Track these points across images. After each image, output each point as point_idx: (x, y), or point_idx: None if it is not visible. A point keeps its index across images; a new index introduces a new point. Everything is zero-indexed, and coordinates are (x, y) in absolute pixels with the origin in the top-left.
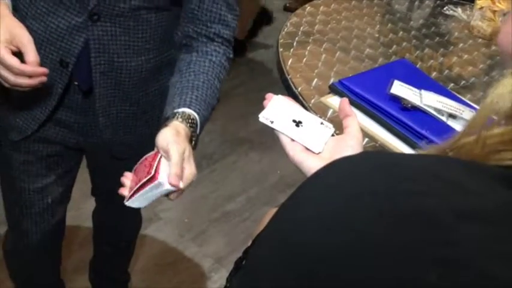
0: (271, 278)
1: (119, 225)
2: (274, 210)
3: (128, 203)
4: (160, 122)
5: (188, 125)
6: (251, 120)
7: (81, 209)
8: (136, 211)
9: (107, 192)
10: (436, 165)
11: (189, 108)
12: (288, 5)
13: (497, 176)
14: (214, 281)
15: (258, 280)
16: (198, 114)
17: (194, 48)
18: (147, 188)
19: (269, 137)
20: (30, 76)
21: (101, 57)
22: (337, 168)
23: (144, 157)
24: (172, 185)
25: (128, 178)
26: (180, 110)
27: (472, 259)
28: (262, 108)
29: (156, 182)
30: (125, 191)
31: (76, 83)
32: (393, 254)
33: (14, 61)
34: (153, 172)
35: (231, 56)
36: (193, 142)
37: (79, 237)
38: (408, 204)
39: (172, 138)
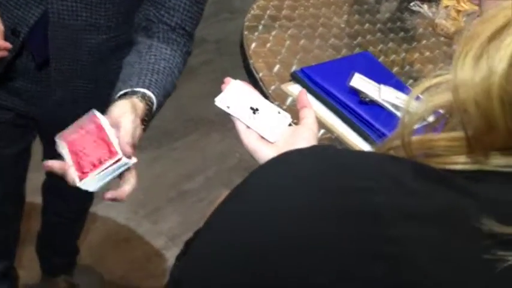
0: (212, 269)
1: (69, 196)
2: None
3: (82, 185)
4: (113, 96)
5: (146, 106)
6: (213, 101)
7: (30, 180)
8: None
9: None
10: (385, 164)
11: (148, 89)
12: None
13: (442, 178)
14: (166, 259)
15: (199, 269)
16: (156, 98)
17: (155, 34)
18: (109, 168)
19: (230, 119)
20: None
21: (59, 32)
22: (286, 162)
23: (78, 126)
24: (127, 155)
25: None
26: (139, 89)
27: (413, 258)
28: None
29: (122, 161)
30: (72, 171)
31: (31, 52)
32: (338, 248)
33: None
34: (116, 150)
35: (190, 50)
36: (143, 126)
37: (27, 208)
38: (354, 200)
39: (129, 110)
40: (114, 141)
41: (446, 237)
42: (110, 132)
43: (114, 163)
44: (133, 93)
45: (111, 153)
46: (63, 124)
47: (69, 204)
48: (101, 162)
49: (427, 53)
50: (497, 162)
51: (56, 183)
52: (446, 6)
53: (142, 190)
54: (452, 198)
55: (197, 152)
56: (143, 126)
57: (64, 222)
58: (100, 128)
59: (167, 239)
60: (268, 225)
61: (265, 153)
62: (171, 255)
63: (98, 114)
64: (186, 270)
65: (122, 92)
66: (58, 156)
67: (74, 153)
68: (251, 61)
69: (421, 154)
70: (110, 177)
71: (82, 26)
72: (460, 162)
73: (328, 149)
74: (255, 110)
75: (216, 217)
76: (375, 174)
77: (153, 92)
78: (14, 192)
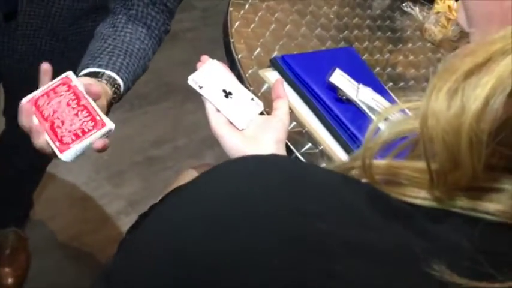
0: (147, 271)
1: (28, 148)
2: (192, 172)
3: (63, 157)
4: (80, 65)
5: (113, 93)
6: (192, 69)
7: None
8: None
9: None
10: (341, 188)
11: (117, 74)
12: None
13: (398, 212)
14: (123, 224)
15: (136, 268)
16: (123, 84)
17: (134, 6)
18: (92, 137)
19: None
20: None
21: None
22: (239, 170)
23: (49, 88)
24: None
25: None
26: (108, 72)
27: None
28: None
29: (106, 128)
30: (49, 140)
31: None
32: (273, 276)
33: None
34: (102, 120)
35: (170, 28)
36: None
37: None
38: (300, 225)
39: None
40: (97, 109)
41: (389, 280)
42: (89, 98)
43: (98, 133)
44: (102, 75)
45: (96, 122)
46: (26, 79)
47: (27, 157)
48: (84, 132)
49: (411, 57)
50: (461, 204)
51: (14, 135)
52: (438, 13)
53: (107, 151)
54: (404, 237)
55: (169, 120)
56: (107, 111)
57: (20, 175)
58: (76, 92)
59: (126, 203)
60: (205, 241)
61: (231, 140)
62: (128, 221)
63: (72, 76)
64: (124, 265)
65: (89, 70)
66: (18, 102)
67: (48, 120)
68: (232, 40)
69: (382, 179)
70: (88, 146)
71: None
72: (421, 197)
73: (285, 162)
74: (227, 94)
75: (155, 221)
76: (329, 198)
77: (121, 78)
78: None
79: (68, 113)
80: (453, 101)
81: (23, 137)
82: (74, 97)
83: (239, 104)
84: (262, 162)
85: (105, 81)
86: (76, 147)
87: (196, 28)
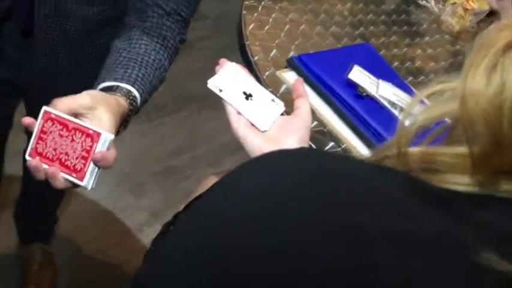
0: (180, 276)
1: None
2: (214, 179)
3: (85, 183)
4: (96, 80)
5: (130, 106)
6: (208, 77)
7: (13, 142)
8: None
9: None
10: (376, 178)
11: (133, 86)
12: None
13: (439, 200)
14: (146, 235)
15: (167, 274)
16: (140, 95)
17: (148, 18)
18: (93, 152)
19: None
20: None
21: (47, 0)
22: (271, 164)
23: (39, 132)
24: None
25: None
26: (123, 85)
27: None
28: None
29: (102, 136)
30: (66, 176)
31: (17, 18)
32: (314, 274)
33: None
34: (92, 130)
35: (185, 37)
36: (125, 126)
37: (7, 172)
38: (339, 219)
39: (105, 99)
40: (86, 124)
41: (435, 270)
42: (73, 119)
43: (99, 145)
44: (118, 89)
45: (92, 136)
46: (46, 93)
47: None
48: (88, 151)
49: (429, 50)
50: (506, 188)
51: None
52: (454, 3)
53: (127, 163)
54: (449, 225)
55: (187, 129)
56: (124, 126)
57: (45, 190)
58: (61, 121)
59: (149, 214)
60: (242, 237)
61: (253, 141)
62: (151, 232)
63: (48, 108)
64: (154, 269)
65: (105, 85)
66: None
67: (55, 160)
68: (247, 43)
69: (419, 168)
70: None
71: None
72: (463, 183)
73: (315, 154)
74: (248, 96)
75: (190, 220)
76: (364, 189)
77: (138, 90)
78: None
79: (66, 143)
80: (492, 78)
81: None
82: (61, 126)
83: (260, 106)
84: (292, 157)
85: (120, 94)
86: (90, 169)
87: (210, 36)
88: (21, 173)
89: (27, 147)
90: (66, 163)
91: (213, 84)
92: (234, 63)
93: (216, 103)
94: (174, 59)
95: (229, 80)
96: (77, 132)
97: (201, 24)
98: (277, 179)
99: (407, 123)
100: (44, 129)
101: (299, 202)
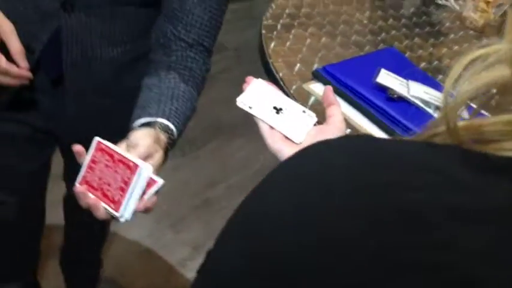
0: (229, 277)
1: None
2: None
3: (121, 217)
4: (132, 118)
5: (168, 139)
6: (235, 106)
7: (51, 192)
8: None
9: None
10: (427, 154)
11: (168, 120)
12: None
13: (499, 168)
14: (190, 269)
15: (216, 280)
16: (176, 128)
17: (173, 52)
18: (131, 184)
19: (253, 123)
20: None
21: (73, 48)
22: (312, 155)
23: (89, 162)
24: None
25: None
26: (159, 119)
27: (459, 267)
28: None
29: (140, 169)
30: (105, 206)
31: (46, 69)
32: (362, 257)
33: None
34: (133, 162)
35: (209, 67)
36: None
37: (48, 221)
38: (390, 199)
39: (151, 138)
40: (129, 156)
41: (506, 241)
42: (120, 150)
43: (136, 177)
44: (155, 124)
45: (130, 168)
46: (82, 139)
47: (90, 215)
48: (126, 183)
49: (456, 47)
50: None
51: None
52: None
53: (165, 200)
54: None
55: (219, 159)
56: (164, 158)
57: (87, 234)
58: (109, 152)
59: (191, 248)
60: (288, 232)
61: (290, 154)
62: (194, 266)
63: (101, 140)
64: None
65: (142, 121)
66: (77, 165)
67: (98, 189)
68: (270, 60)
69: (471, 140)
70: (139, 194)
71: (96, 41)
72: None
73: (359, 139)
74: (278, 110)
75: (232, 224)
76: (414, 166)
77: (173, 123)
78: (33, 209)
79: (109, 173)
80: None
81: None
82: (108, 157)
83: (292, 118)
84: (332, 144)
85: (159, 129)
86: (126, 199)
87: (231, 67)
88: (62, 222)
89: (66, 193)
90: (107, 193)
91: (243, 102)
92: (260, 80)
93: (243, 131)
94: (202, 89)
95: (258, 96)
96: (120, 163)
97: (221, 55)
98: (320, 167)
99: (450, 99)
100: (95, 159)
101: (348, 186)
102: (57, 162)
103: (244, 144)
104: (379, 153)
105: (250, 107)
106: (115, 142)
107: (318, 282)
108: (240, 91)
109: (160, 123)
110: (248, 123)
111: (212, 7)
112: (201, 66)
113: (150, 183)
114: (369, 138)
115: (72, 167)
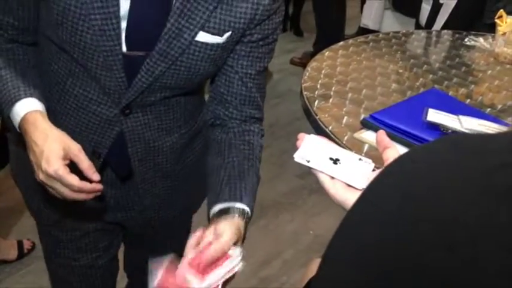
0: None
1: None
2: (318, 261)
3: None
4: (207, 204)
5: (244, 221)
6: (277, 183)
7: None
8: None
9: (140, 264)
10: None
11: (241, 202)
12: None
13: None
14: None
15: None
16: (249, 207)
17: (230, 129)
18: (222, 265)
19: (298, 198)
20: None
21: (137, 146)
22: (416, 157)
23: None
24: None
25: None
26: (236, 205)
27: None
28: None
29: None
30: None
31: (113, 169)
32: (493, 237)
33: (74, 180)
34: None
35: (264, 132)
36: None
37: None
38: (503, 178)
39: (233, 228)
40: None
41: None
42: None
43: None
44: (232, 210)
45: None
46: (147, 225)
47: None
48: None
49: (497, 82)
50: None
51: (139, 283)
52: (504, 34)
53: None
54: None
55: (270, 236)
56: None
57: None
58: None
59: None
60: (406, 228)
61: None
62: None
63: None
64: None
65: (218, 208)
66: (140, 258)
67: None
68: (317, 117)
69: None
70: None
71: (155, 134)
72: None
73: (455, 136)
74: (335, 160)
75: (340, 238)
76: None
77: (247, 204)
78: None
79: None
80: None
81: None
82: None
83: (350, 167)
84: (431, 145)
85: (238, 215)
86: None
87: (268, 145)
88: None
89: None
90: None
91: (300, 157)
92: (313, 135)
93: (290, 205)
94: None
95: (313, 150)
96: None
97: None
98: (426, 161)
99: None
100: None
101: (457, 172)
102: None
103: (292, 218)
104: (480, 144)
105: (308, 161)
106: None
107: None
108: (278, 168)
109: (237, 209)
110: (293, 197)
111: (255, 81)
112: (258, 135)
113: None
114: (464, 134)
115: (135, 257)
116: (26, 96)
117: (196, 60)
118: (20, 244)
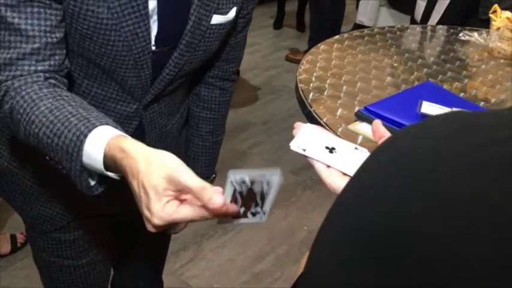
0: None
1: None
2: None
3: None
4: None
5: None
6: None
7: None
8: (158, 276)
9: (132, 259)
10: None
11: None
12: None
13: None
14: None
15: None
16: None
17: (217, 87)
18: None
19: (292, 194)
20: None
21: (153, 134)
22: (409, 133)
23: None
24: None
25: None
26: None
27: None
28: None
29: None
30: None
31: None
32: (485, 205)
33: (189, 215)
34: None
35: (235, 78)
36: None
37: None
38: (496, 151)
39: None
40: None
41: None
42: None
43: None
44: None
45: None
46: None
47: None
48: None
49: (490, 76)
50: None
51: (123, 281)
52: (498, 29)
53: (214, 278)
54: None
55: (263, 232)
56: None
57: None
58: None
59: None
60: (403, 204)
61: None
62: None
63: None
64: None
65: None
66: (130, 252)
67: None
68: (312, 109)
69: None
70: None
71: (166, 119)
72: None
73: (448, 113)
74: (331, 149)
75: (335, 210)
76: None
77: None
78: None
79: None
80: None
81: (131, 283)
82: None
83: (346, 155)
84: (429, 120)
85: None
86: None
87: (262, 141)
88: None
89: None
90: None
91: (296, 145)
92: (309, 124)
93: (284, 201)
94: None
95: (309, 139)
96: None
97: (250, 132)
98: (421, 137)
99: None
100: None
101: (453, 146)
102: None
103: (286, 214)
104: (477, 120)
105: (304, 150)
106: None
107: (440, 237)
108: (271, 164)
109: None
110: (287, 193)
111: (242, 44)
112: (230, 95)
113: None
114: (465, 111)
115: (126, 246)
116: (102, 124)
117: (211, 42)
118: (13, 238)
